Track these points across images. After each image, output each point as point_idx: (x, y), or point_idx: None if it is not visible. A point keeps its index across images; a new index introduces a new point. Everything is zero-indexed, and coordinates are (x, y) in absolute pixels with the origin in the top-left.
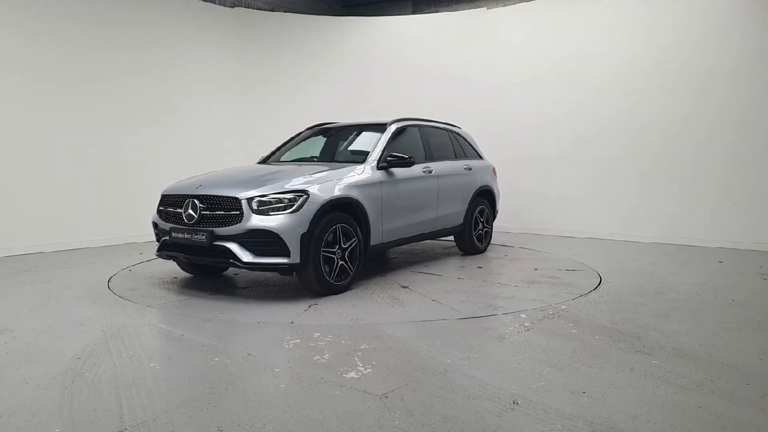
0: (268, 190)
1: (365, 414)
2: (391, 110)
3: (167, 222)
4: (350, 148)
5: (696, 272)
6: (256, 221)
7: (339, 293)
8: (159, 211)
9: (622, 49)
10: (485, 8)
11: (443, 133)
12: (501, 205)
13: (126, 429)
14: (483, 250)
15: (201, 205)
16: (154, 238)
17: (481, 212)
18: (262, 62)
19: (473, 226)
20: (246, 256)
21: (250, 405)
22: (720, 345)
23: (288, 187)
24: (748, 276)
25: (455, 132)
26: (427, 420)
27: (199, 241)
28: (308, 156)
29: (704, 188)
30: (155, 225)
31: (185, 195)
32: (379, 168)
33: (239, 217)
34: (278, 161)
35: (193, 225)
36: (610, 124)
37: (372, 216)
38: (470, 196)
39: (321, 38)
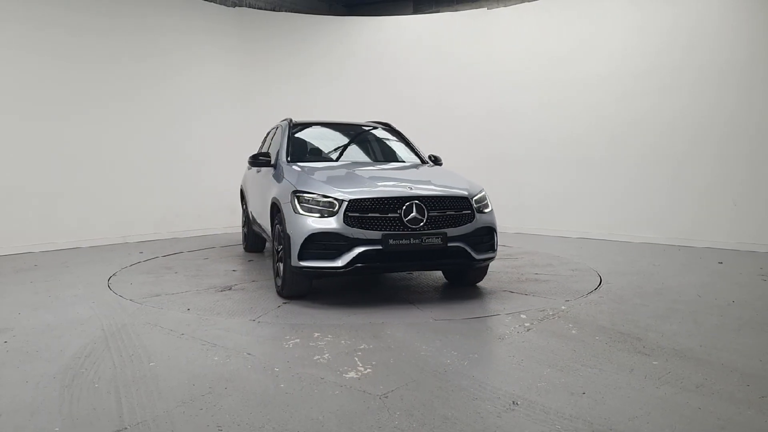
0: (474, 189)
1: (365, 414)
2: (391, 109)
3: (372, 230)
4: (382, 148)
5: (696, 273)
6: (485, 219)
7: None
8: (349, 218)
9: (622, 49)
10: (486, 8)
11: None
12: (500, 204)
13: (125, 428)
14: None
15: (427, 207)
16: (305, 251)
17: None
18: (263, 61)
19: None
20: (477, 254)
21: (249, 405)
22: (720, 346)
23: (477, 186)
24: (748, 277)
25: None
26: (427, 420)
27: (434, 245)
28: (330, 155)
29: (705, 189)
30: (339, 236)
31: (402, 197)
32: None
33: (470, 216)
34: (303, 161)
35: (418, 229)
36: (611, 124)
37: None
38: None
39: (322, 38)
